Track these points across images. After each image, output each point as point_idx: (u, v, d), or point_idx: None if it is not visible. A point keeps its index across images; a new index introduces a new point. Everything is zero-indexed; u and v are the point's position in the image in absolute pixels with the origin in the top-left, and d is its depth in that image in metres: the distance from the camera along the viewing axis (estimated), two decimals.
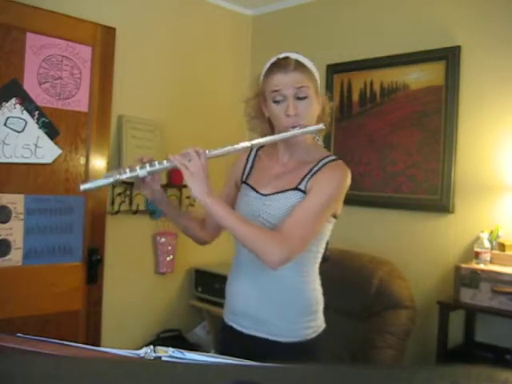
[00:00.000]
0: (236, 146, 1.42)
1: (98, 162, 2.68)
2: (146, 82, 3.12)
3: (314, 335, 1.53)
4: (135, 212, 3.00)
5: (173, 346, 0.84)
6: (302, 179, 1.47)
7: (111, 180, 1.41)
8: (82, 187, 1.41)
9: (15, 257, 2.41)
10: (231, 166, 1.70)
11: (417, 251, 2.87)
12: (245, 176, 1.61)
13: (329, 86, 3.31)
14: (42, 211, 2.48)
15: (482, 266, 2.44)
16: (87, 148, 2.64)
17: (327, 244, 1.61)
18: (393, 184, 3.00)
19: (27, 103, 2.43)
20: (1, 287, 2.35)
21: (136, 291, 3.14)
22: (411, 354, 2.64)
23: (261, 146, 1.60)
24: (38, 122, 2.47)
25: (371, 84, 3.11)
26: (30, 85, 2.44)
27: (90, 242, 2.64)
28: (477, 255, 2.50)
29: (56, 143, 2.53)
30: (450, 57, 2.77)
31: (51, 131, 2.51)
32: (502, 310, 2.32)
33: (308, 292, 1.54)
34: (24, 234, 2.43)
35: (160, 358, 0.82)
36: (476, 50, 2.70)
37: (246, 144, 1.42)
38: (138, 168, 1.40)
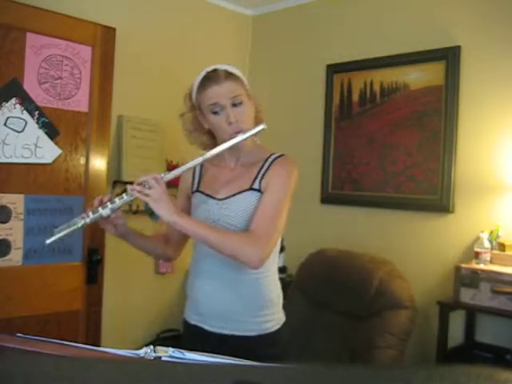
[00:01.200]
0: (189, 164, 1.48)
1: (98, 162, 2.68)
2: (146, 81, 3.12)
3: (276, 327, 1.59)
4: (135, 212, 3.00)
5: (173, 346, 0.85)
6: (255, 179, 1.54)
7: (75, 227, 1.45)
8: (48, 241, 1.46)
9: (15, 257, 2.41)
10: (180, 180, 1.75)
11: (417, 251, 2.87)
12: (195, 186, 1.66)
13: (329, 86, 3.31)
14: (42, 211, 2.48)
15: (482, 266, 2.44)
16: (87, 148, 2.64)
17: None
18: (393, 184, 3.00)
19: (27, 103, 2.43)
20: (1, 287, 2.35)
21: (136, 291, 3.14)
22: (411, 354, 2.64)
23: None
24: (38, 122, 2.47)
25: (371, 84, 3.11)
26: (30, 85, 2.44)
27: (90, 241, 2.64)
28: (477, 255, 2.50)
29: (56, 143, 2.53)
30: (450, 57, 2.77)
31: (51, 131, 2.51)
32: (502, 310, 2.32)
33: (269, 286, 1.59)
34: (24, 233, 2.43)
35: (160, 357, 0.82)
36: (476, 50, 2.70)
37: (199, 159, 1.48)
38: (100, 209, 1.45)
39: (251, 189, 1.53)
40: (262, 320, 1.56)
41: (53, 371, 0.53)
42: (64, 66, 2.56)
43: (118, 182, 2.96)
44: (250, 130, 1.51)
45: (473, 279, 2.40)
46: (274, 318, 1.59)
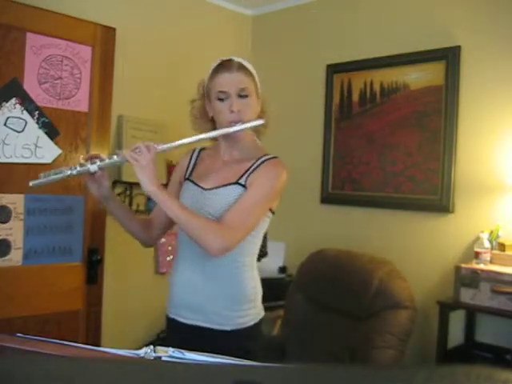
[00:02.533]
0: (184, 140, 1.53)
1: None
2: (146, 81, 3.12)
3: (252, 323, 1.60)
4: (135, 212, 3.00)
5: (172, 346, 0.85)
6: (243, 175, 1.57)
7: (62, 175, 1.46)
8: (32, 183, 1.48)
9: (15, 257, 2.41)
10: (176, 166, 1.80)
11: (417, 251, 2.87)
12: (188, 173, 1.70)
13: (329, 86, 3.31)
14: (42, 211, 2.48)
15: (482, 266, 2.44)
16: (87, 148, 2.64)
17: (265, 239, 1.68)
18: (393, 184, 3.00)
19: (27, 103, 2.43)
20: (1, 287, 2.35)
21: (136, 291, 3.14)
22: (411, 354, 2.64)
23: (203, 148, 1.73)
24: (38, 122, 2.47)
25: (371, 84, 3.11)
26: (30, 85, 2.44)
27: (89, 241, 2.64)
28: (477, 255, 2.50)
29: (56, 143, 2.53)
30: (450, 57, 2.77)
31: (51, 131, 2.51)
32: (502, 310, 2.32)
33: (245, 281, 1.60)
34: (24, 233, 2.43)
35: (160, 357, 0.82)
36: (476, 50, 2.70)
37: (195, 137, 1.55)
38: (88, 164, 1.47)
39: (237, 183, 1.56)
40: (236, 315, 1.57)
41: (53, 371, 0.53)
42: (64, 66, 2.56)
43: (117, 182, 2.95)
44: (247, 122, 1.55)
45: (473, 279, 2.40)
46: (250, 313, 1.60)
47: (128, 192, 2.98)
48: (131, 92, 3.01)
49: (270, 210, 1.61)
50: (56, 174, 1.47)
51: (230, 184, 1.56)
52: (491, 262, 2.48)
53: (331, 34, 3.33)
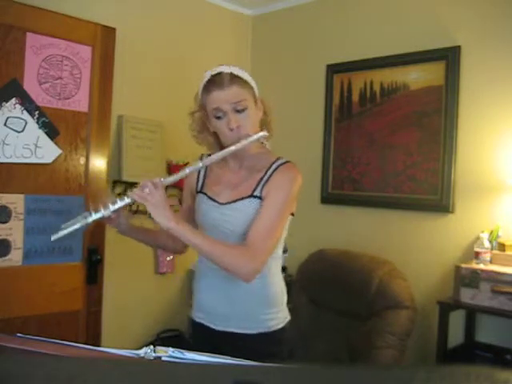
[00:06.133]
0: (187, 170, 1.49)
1: (98, 162, 2.68)
2: (146, 81, 3.12)
3: (279, 326, 1.59)
4: (135, 212, 3.00)
5: (173, 346, 0.85)
6: (257, 186, 1.54)
7: (79, 226, 1.48)
8: (53, 238, 1.49)
9: (15, 257, 2.41)
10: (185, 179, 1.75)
11: (417, 251, 2.87)
12: (199, 186, 1.67)
13: (329, 86, 3.31)
14: (42, 211, 2.48)
15: (481, 266, 2.44)
16: (87, 148, 2.64)
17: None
18: (393, 184, 3.00)
19: (27, 103, 2.43)
20: (1, 287, 2.35)
21: (136, 291, 3.14)
22: (411, 354, 2.64)
23: (208, 155, 1.66)
24: (38, 122, 2.47)
25: (371, 84, 3.11)
26: (29, 85, 2.44)
27: (89, 241, 2.64)
28: (477, 255, 2.50)
29: (56, 143, 2.53)
30: (450, 57, 2.77)
31: (51, 131, 2.51)
32: (502, 310, 2.32)
33: (271, 286, 1.59)
34: (24, 233, 2.43)
35: (160, 357, 0.82)
36: (476, 50, 2.70)
37: (198, 165, 1.50)
38: (102, 209, 1.48)
39: (252, 196, 1.53)
40: (266, 318, 1.57)
41: (53, 371, 0.53)
42: (64, 66, 2.56)
43: (117, 182, 2.96)
44: (250, 136, 1.50)
45: (473, 279, 2.40)
46: (278, 316, 1.60)
47: (127, 192, 2.98)
48: (131, 92, 3.01)
49: (291, 213, 1.59)
50: (74, 224, 1.49)
51: (245, 198, 1.53)
52: (491, 262, 2.48)
53: (331, 34, 3.33)
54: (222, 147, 1.58)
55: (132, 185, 2.92)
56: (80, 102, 2.61)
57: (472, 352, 2.62)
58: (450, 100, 2.77)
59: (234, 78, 1.51)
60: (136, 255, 3.14)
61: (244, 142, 1.49)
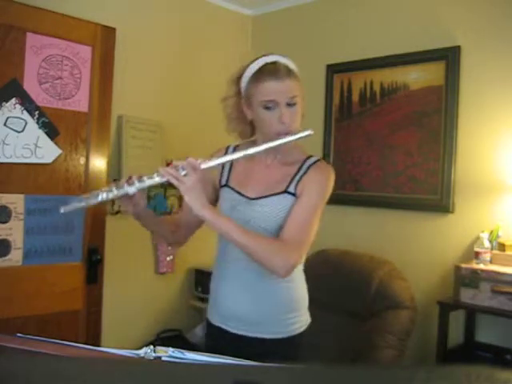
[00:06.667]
0: (228, 157, 1.40)
1: (98, 162, 2.68)
2: (146, 81, 3.12)
3: (300, 330, 1.55)
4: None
5: (173, 346, 0.84)
6: (290, 182, 1.48)
7: (96, 200, 1.34)
8: (63, 210, 1.36)
9: (15, 257, 2.41)
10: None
11: (417, 251, 2.87)
12: (224, 179, 1.58)
13: (329, 86, 3.31)
14: (42, 211, 2.48)
15: (481, 266, 2.43)
16: (87, 148, 2.64)
17: None
18: (393, 184, 3.00)
19: (27, 103, 2.43)
20: (1, 287, 2.35)
21: (136, 291, 3.14)
22: (411, 354, 2.64)
23: (237, 146, 1.58)
24: (38, 122, 2.47)
25: (371, 84, 3.11)
26: (29, 85, 2.44)
27: (90, 241, 2.64)
28: (477, 255, 2.50)
29: (56, 143, 2.53)
30: (450, 57, 2.77)
31: (51, 131, 2.51)
32: (502, 310, 2.31)
33: (294, 289, 1.56)
34: (24, 233, 2.43)
35: (160, 358, 0.82)
36: (476, 50, 2.70)
37: (240, 154, 1.38)
38: (125, 185, 1.35)
39: (286, 192, 1.47)
40: (289, 322, 1.52)
41: (53, 371, 0.53)
42: (64, 66, 2.56)
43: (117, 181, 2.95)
44: (297, 132, 1.42)
45: (473, 279, 2.40)
46: (301, 319, 1.56)
47: None
48: (131, 92, 3.01)
49: None
50: (89, 199, 1.35)
51: (278, 193, 1.47)
52: (491, 262, 2.48)
53: (331, 34, 3.33)
54: (254, 136, 1.51)
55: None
56: (80, 101, 2.61)
57: (472, 352, 2.62)
58: (450, 100, 2.76)
59: (290, 71, 1.47)
60: (136, 255, 3.14)
61: (292, 138, 1.41)
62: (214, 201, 1.60)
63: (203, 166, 1.33)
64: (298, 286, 1.58)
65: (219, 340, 1.57)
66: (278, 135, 1.42)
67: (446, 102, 2.78)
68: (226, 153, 1.59)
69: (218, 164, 1.39)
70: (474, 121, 2.71)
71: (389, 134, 3.02)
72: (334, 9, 3.32)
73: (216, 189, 1.61)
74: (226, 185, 1.56)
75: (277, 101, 1.42)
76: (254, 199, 1.49)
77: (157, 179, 1.34)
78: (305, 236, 1.42)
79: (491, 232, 2.55)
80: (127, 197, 1.38)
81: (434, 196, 2.82)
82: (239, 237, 1.34)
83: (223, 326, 1.55)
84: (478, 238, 2.57)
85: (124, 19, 2.94)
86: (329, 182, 1.51)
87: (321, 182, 1.49)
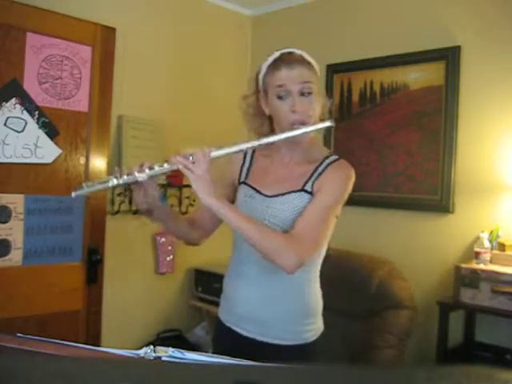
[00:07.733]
0: (241, 145, 1.35)
1: (98, 162, 2.68)
2: (146, 81, 3.12)
3: (314, 338, 1.52)
4: (135, 212, 3.00)
5: (173, 346, 0.84)
6: (308, 180, 1.45)
7: (106, 185, 1.34)
8: (74, 194, 1.36)
9: (15, 257, 2.41)
10: (227, 165, 1.63)
11: (417, 251, 2.87)
12: (243, 176, 1.56)
13: (329, 86, 3.31)
14: (42, 211, 2.48)
15: (481, 266, 2.44)
16: (87, 148, 2.64)
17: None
18: (393, 184, 3.00)
19: (27, 103, 2.43)
20: (1, 287, 2.35)
21: (136, 291, 3.14)
22: (411, 354, 2.64)
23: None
24: (37, 122, 2.47)
25: (371, 84, 3.11)
26: (30, 85, 2.44)
27: (89, 241, 2.64)
28: (477, 255, 2.50)
29: (56, 143, 2.53)
30: (450, 57, 2.77)
31: (51, 131, 2.51)
32: (502, 310, 2.32)
33: (310, 295, 1.53)
34: (24, 233, 2.43)
35: (160, 358, 0.82)
36: (476, 50, 2.70)
37: (254, 143, 1.35)
38: (136, 172, 1.33)
39: (303, 190, 1.43)
40: (303, 329, 1.49)
41: (53, 371, 0.53)
42: (64, 66, 2.56)
43: None
44: (314, 124, 1.39)
45: (473, 279, 2.40)
46: (315, 327, 1.53)
47: (128, 192, 2.98)
48: (131, 92, 3.01)
49: (335, 215, 1.49)
50: (100, 183, 1.35)
51: (295, 191, 1.43)
52: (491, 262, 2.48)
53: (331, 34, 3.33)
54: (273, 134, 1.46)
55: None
56: (80, 101, 2.61)
57: (472, 352, 2.62)
58: (450, 100, 2.76)
59: (304, 60, 1.44)
60: (136, 255, 3.14)
61: (309, 128, 1.37)
62: (231, 199, 1.58)
63: (214, 153, 1.31)
64: (315, 289, 1.55)
65: (228, 342, 1.52)
66: (292, 125, 1.39)
67: (446, 102, 2.78)
68: (245, 153, 1.58)
69: (229, 153, 1.35)
70: (474, 121, 2.71)
71: (389, 134, 3.02)
72: (334, 9, 3.32)
73: (234, 187, 1.59)
74: (244, 182, 1.54)
75: (288, 88, 1.39)
76: (270, 197, 1.46)
77: (166, 167, 1.33)
78: (317, 234, 1.38)
79: (491, 232, 2.55)
80: (138, 187, 1.37)
81: (434, 196, 2.82)
82: (246, 228, 1.30)
83: (234, 328, 1.51)
84: (477, 238, 2.57)
85: (124, 19, 2.94)
86: (348, 181, 1.47)
87: (339, 181, 1.45)
